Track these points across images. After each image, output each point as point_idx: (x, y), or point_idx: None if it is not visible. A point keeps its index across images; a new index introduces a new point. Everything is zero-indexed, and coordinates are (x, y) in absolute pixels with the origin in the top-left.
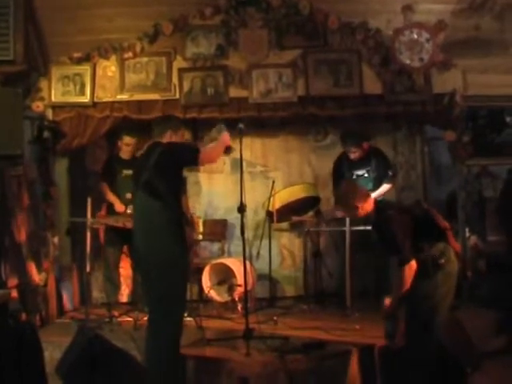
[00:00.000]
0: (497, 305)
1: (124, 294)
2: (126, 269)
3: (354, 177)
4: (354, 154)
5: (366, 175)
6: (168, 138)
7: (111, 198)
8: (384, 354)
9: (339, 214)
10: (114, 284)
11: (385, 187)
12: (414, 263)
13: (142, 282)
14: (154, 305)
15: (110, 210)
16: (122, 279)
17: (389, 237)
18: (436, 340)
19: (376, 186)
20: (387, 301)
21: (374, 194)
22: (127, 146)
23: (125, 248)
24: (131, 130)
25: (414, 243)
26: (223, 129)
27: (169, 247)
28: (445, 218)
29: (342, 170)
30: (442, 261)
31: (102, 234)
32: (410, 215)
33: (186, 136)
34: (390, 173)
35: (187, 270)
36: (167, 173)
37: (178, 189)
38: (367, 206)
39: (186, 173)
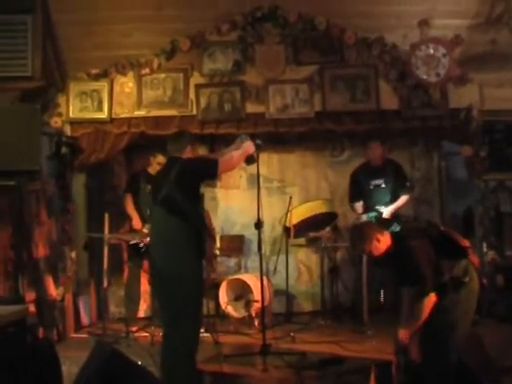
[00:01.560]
0: None
1: (141, 309)
2: (143, 284)
3: (371, 187)
4: (375, 152)
5: (383, 185)
6: (189, 152)
7: (131, 212)
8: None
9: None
10: (133, 300)
11: (403, 199)
12: (433, 296)
13: (157, 297)
14: (169, 319)
15: (131, 228)
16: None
17: (411, 268)
18: (455, 356)
19: (393, 198)
20: (402, 333)
21: (393, 206)
22: (159, 164)
23: (144, 264)
24: (161, 147)
25: (436, 268)
26: (246, 138)
27: (185, 262)
28: (463, 235)
29: (359, 180)
30: (467, 279)
31: (124, 250)
32: (428, 240)
33: (202, 152)
34: (408, 184)
35: (202, 284)
36: (187, 187)
37: (198, 202)
38: (383, 244)
39: (202, 189)
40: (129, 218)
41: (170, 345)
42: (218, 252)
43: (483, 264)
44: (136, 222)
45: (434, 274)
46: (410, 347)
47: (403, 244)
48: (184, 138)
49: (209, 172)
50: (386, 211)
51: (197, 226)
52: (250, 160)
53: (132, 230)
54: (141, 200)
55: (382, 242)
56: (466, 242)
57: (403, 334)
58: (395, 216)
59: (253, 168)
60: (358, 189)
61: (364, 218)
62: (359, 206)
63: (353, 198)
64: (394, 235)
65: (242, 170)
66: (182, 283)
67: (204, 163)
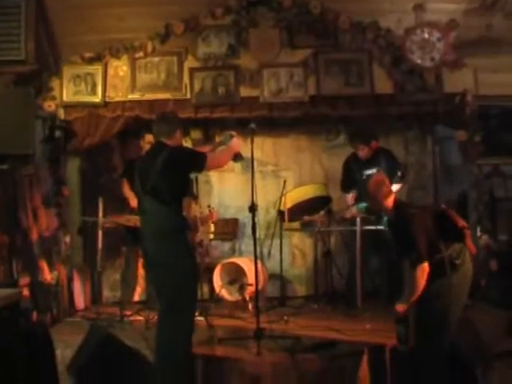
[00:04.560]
0: (508, 305)
1: (136, 293)
2: (139, 268)
3: (364, 177)
4: (363, 152)
5: None
6: (176, 138)
7: (128, 192)
8: (395, 354)
9: (348, 214)
10: (129, 284)
11: (395, 188)
12: (426, 266)
13: (152, 283)
14: (165, 306)
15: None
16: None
17: (407, 235)
18: (448, 340)
19: None
20: (399, 305)
21: None
22: (150, 143)
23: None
24: (151, 128)
25: (432, 243)
26: (232, 136)
27: (177, 250)
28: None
29: (351, 170)
30: (459, 261)
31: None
32: (430, 214)
33: (196, 136)
34: (399, 173)
35: (196, 271)
36: (174, 178)
37: (184, 194)
38: (388, 203)
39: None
40: (125, 200)
41: (166, 330)
42: (207, 238)
43: (477, 248)
44: (133, 201)
45: (429, 246)
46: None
47: (403, 211)
48: (171, 121)
49: (196, 165)
50: None
51: (180, 216)
52: (238, 158)
53: (129, 210)
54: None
55: (389, 200)
56: (464, 224)
57: (399, 306)
58: None
59: (247, 152)
60: (350, 178)
61: (354, 209)
62: (350, 197)
63: (344, 188)
64: (397, 202)
65: None
66: (176, 271)
67: (192, 155)
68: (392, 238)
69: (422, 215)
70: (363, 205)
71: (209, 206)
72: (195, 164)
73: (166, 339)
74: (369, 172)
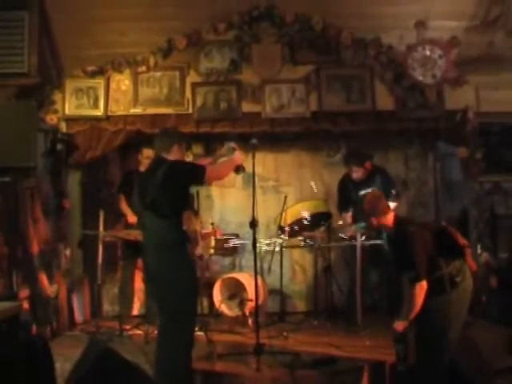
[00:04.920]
0: (509, 322)
1: (135, 308)
2: (137, 282)
3: (360, 197)
4: (357, 174)
5: None
6: (175, 152)
7: (125, 208)
8: (395, 371)
9: (348, 233)
10: (127, 298)
11: (391, 206)
12: (425, 284)
13: (153, 297)
14: (165, 320)
15: (127, 223)
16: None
17: (407, 253)
18: (448, 357)
19: None
20: (398, 323)
21: None
22: (146, 158)
23: (138, 262)
24: (150, 142)
25: (432, 261)
26: (234, 149)
27: (177, 264)
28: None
29: (347, 190)
30: (459, 279)
31: (118, 249)
32: (430, 232)
33: (198, 150)
34: (394, 191)
35: (196, 285)
36: (173, 192)
37: (184, 207)
38: (386, 221)
39: (197, 187)
40: (123, 216)
41: (167, 344)
42: (208, 252)
43: (478, 267)
44: (130, 217)
45: (429, 263)
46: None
47: (403, 228)
48: (171, 136)
49: (195, 178)
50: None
51: (180, 230)
52: (240, 170)
53: (127, 226)
54: (133, 200)
55: (388, 218)
56: (464, 242)
57: (398, 324)
58: None
59: (248, 167)
60: (346, 198)
61: (353, 228)
62: (348, 216)
63: (341, 208)
64: (397, 219)
65: None
66: (176, 285)
67: (191, 169)
68: (391, 253)
69: (423, 233)
70: (362, 225)
71: (212, 224)
72: (195, 177)
73: (166, 353)
74: (363, 192)
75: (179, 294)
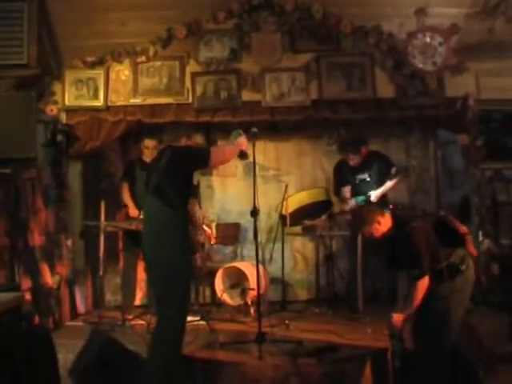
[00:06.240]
0: (510, 309)
1: (137, 298)
2: (139, 272)
3: (357, 181)
4: (354, 161)
5: (368, 179)
6: (183, 144)
7: (127, 200)
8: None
9: (347, 207)
10: (129, 288)
11: (388, 185)
12: (427, 279)
13: (151, 283)
14: (157, 306)
15: (128, 216)
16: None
17: (409, 252)
18: (449, 343)
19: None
20: (396, 317)
21: (380, 190)
22: (147, 148)
23: (140, 252)
24: (152, 132)
25: (434, 254)
26: (241, 134)
27: (172, 250)
28: (461, 223)
29: (344, 176)
30: (464, 267)
31: (120, 239)
32: (430, 225)
33: (198, 140)
34: (393, 170)
35: (190, 274)
36: (177, 176)
37: (188, 192)
38: (384, 226)
39: (198, 177)
40: (125, 206)
41: (158, 331)
42: (209, 241)
43: (479, 253)
44: (132, 210)
45: (431, 259)
46: (404, 333)
47: (404, 226)
48: (179, 128)
49: (200, 161)
50: (374, 195)
51: (183, 216)
52: (243, 155)
53: (128, 218)
54: (137, 188)
55: (383, 224)
56: (464, 229)
57: (396, 318)
58: (383, 200)
59: (249, 156)
60: (343, 182)
61: (353, 202)
62: (347, 190)
63: (338, 187)
64: (395, 217)
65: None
66: (168, 271)
67: (195, 151)
68: (391, 252)
69: (423, 228)
70: (362, 197)
71: (208, 225)
72: (199, 160)
73: (157, 339)
74: (362, 177)
75: (173, 278)
